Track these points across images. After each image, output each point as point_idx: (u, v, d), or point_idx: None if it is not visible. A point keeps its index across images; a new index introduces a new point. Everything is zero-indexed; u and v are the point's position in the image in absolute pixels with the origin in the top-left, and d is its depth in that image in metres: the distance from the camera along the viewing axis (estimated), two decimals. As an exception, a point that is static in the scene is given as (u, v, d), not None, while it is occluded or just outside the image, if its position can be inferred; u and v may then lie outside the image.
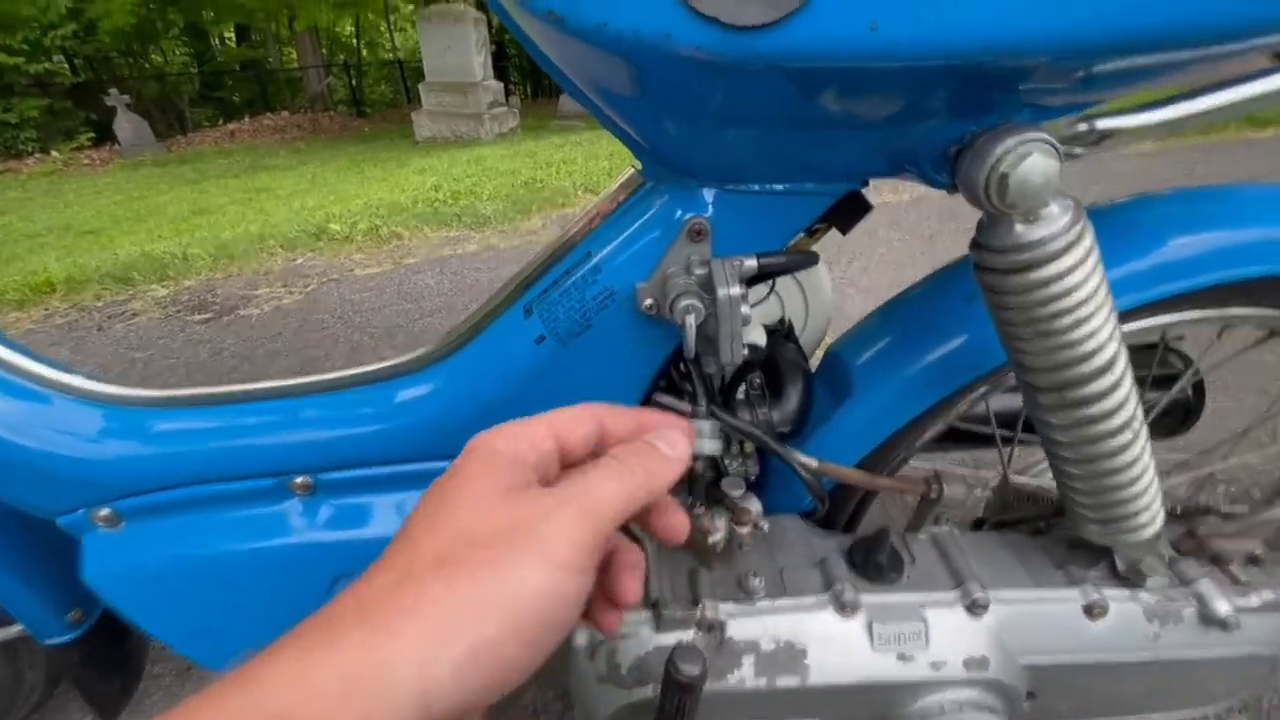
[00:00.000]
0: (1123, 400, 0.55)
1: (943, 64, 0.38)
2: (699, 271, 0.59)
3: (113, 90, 10.26)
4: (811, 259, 0.62)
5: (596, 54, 0.41)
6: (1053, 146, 0.46)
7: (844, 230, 0.68)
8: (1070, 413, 0.57)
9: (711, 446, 0.69)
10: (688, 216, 0.60)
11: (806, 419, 0.82)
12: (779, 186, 0.59)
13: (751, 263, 0.58)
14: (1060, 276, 0.50)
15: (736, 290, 0.55)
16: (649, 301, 0.62)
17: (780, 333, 0.85)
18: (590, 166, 5.18)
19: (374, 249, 3.55)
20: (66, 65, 12.78)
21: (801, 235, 0.78)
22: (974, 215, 0.51)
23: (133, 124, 10.50)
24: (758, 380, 0.81)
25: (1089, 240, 0.50)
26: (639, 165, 0.65)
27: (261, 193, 6.48)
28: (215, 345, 2.59)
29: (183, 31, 13.97)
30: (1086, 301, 0.50)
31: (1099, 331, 0.52)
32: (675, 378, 0.75)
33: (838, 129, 0.50)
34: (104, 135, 10.92)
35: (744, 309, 0.56)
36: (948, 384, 0.74)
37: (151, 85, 13.26)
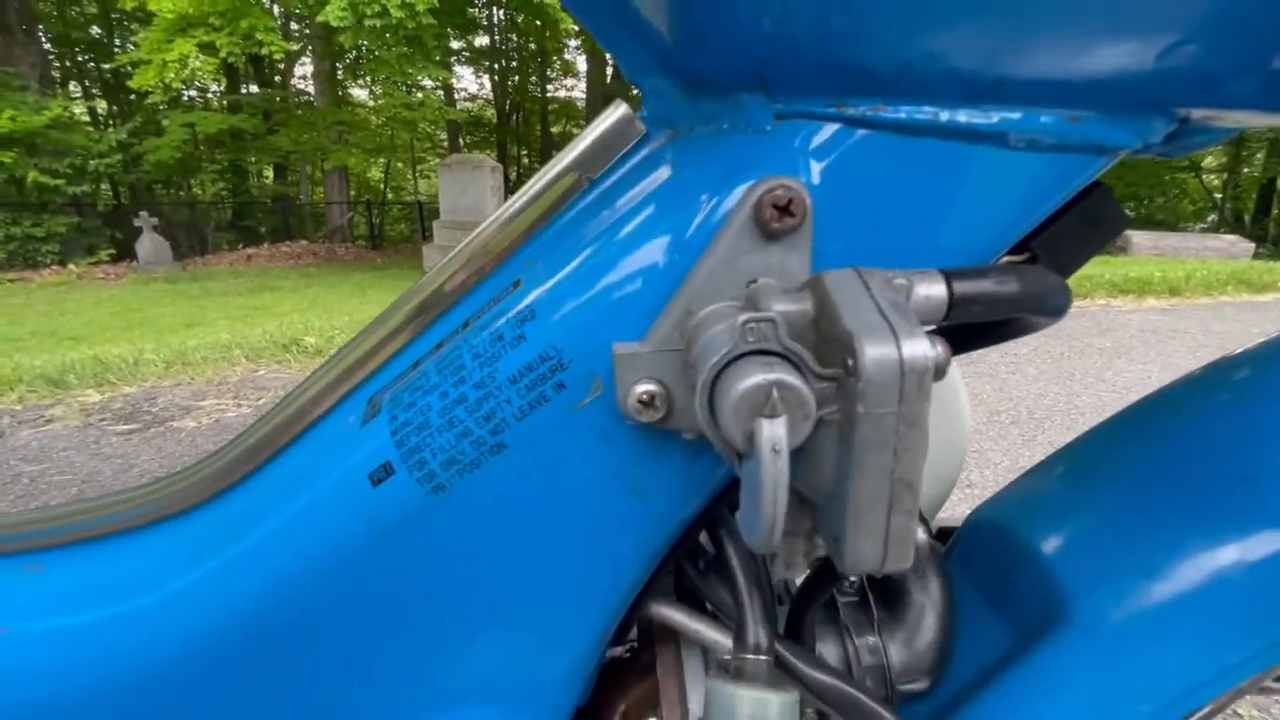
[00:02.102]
0: None
1: None
2: (785, 308, 0.21)
3: (142, 213, 10.71)
4: (1067, 298, 0.24)
5: None
6: None
7: (1062, 275, 0.32)
8: None
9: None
10: (756, 183, 0.24)
11: (949, 658, 0.41)
12: (977, 118, 0.24)
13: (938, 290, 0.21)
14: None
15: (922, 350, 0.18)
16: (644, 390, 0.25)
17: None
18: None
19: (348, 365, 3.22)
20: (110, 190, 13.55)
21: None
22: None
23: (154, 243, 10.83)
24: (852, 580, 0.41)
25: None
26: (628, 109, 0.31)
27: (259, 310, 6.41)
28: (127, 460, 2.17)
29: (226, 170, 15.03)
30: None
31: None
32: (693, 576, 0.35)
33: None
34: (126, 253, 11.24)
35: (924, 412, 0.19)
36: (1275, 636, 0.34)
37: (183, 211, 13.96)
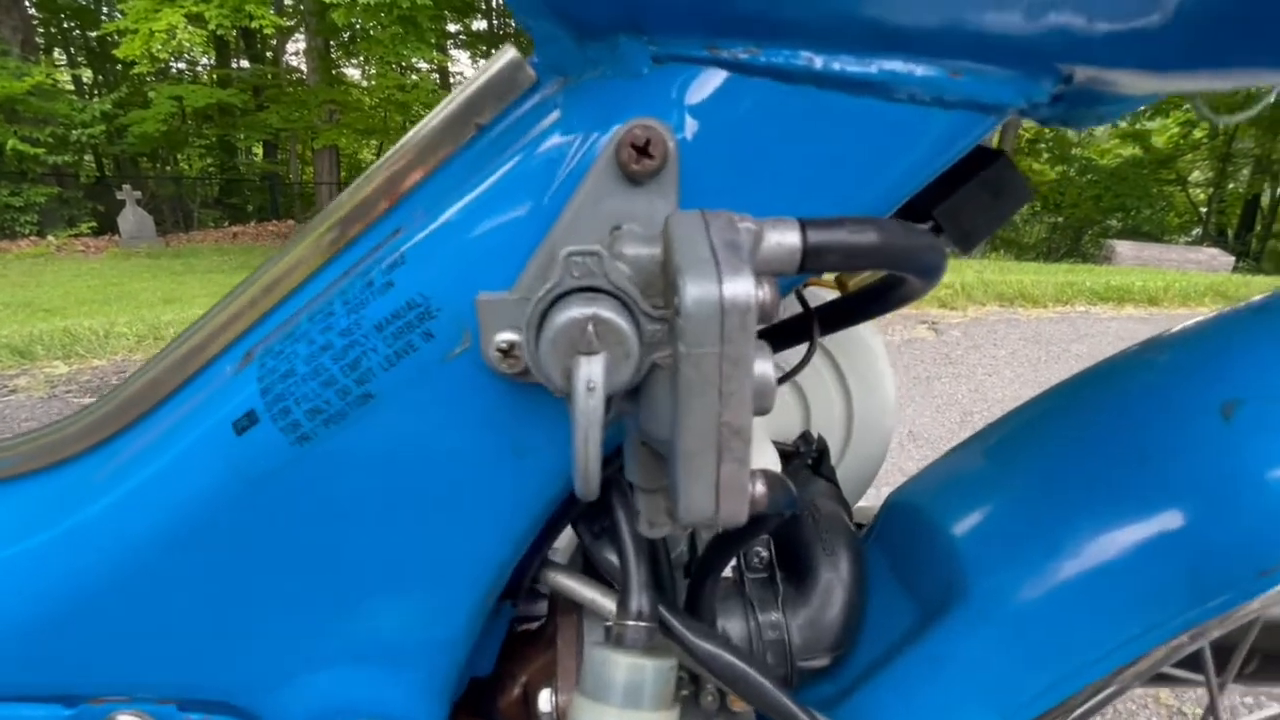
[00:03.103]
0: None
1: None
2: (631, 251, 0.20)
3: (126, 186, 10.49)
4: (938, 256, 0.24)
5: None
6: None
7: (964, 247, 0.32)
8: None
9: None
10: (623, 124, 0.24)
11: (854, 637, 0.40)
12: (854, 66, 0.23)
13: (791, 237, 0.20)
14: None
15: (744, 289, 0.17)
16: (503, 339, 0.24)
17: (803, 459, 0.46)
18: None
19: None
20: (93, 162, 13.25)
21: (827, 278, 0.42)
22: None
23: (137, 217, 10.62)
24: (762, 555, 0.40)
25: None
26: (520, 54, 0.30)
27: (239, 287, 6.32)
28: (89, 435, 2.12)
29: (214, 145, 14.75)
30: None
31: None
32: (585, 540, 0.35)
33: None
34: (108, 226, 11.02)
35: (761, 362, 0.18)
36: (1165, 614, 0.34)
37: (168, 185, 13.70)
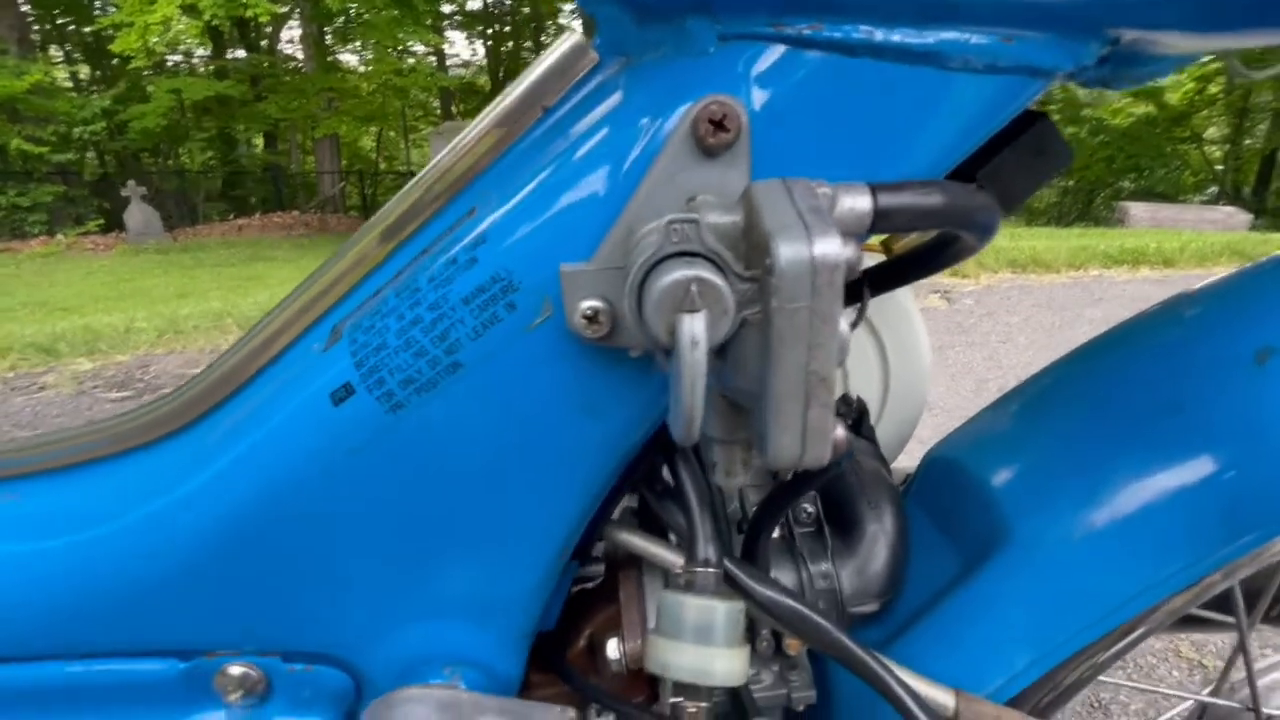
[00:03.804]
0: None
1: None
2: (715, 219, 0.22)
3: (130, 182, 10.53)
4: (995, 214, 0.25)
5: None
6: None
7: (1007, 207, 0.33)
8: None
9: (727, 664, 0.30)
10: (698, 100, 0.25)
11: (900, 583, 0.43)
12: (911, 37, 0.25)
13: (863, 201, 0.22)
14: None
15: (833, 248, 0.19)
16: (588, 306, 0.26)
17: (843, 420, 0.48)
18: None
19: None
20: (96, 159, 13.28)
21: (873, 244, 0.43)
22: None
23: (143, 213, 10.67)
24: (809, 511, 0.43)
25: None
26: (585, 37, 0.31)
27: (251, 280, 6.36)
28: (120, 428, 2.18)
29: (214, 138, 14.73)
30: None
31: None
32: (650, 498, 0.37)
33: None
34: (115, 223, 11.09)
35: (842, 321, 0.20)
36: (1198, 553, 0.36)
37: (172, 180, 13.73)
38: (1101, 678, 0.46)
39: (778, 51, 0.25)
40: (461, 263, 0.29)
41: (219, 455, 0.33)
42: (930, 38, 0.25)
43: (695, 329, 0.20)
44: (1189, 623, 0.51)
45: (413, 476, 0.31)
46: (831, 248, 0.19)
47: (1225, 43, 0.27)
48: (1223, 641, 1.27)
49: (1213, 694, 0.55)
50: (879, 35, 0.25)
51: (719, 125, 0.24)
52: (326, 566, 0.33)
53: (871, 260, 0.38)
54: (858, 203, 0.22)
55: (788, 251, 0.19)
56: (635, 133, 0.27)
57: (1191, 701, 0.60)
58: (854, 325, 0.37)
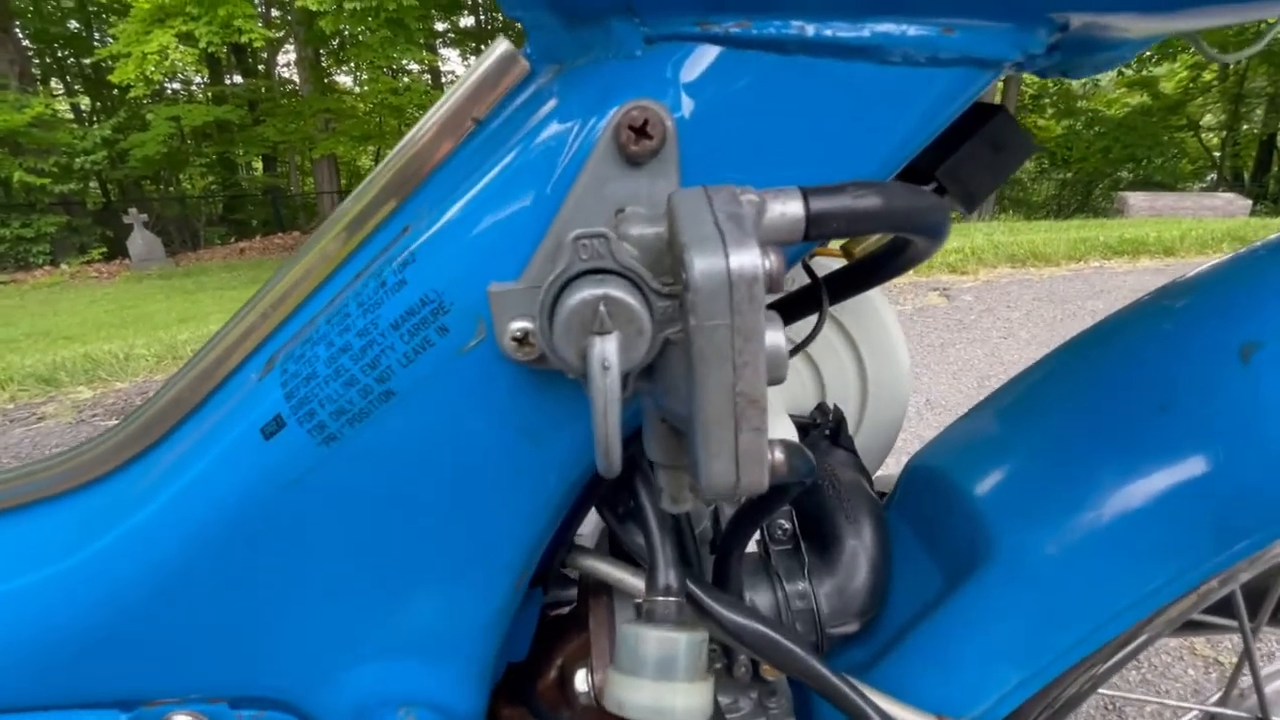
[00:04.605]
0: None
1: None
2: (639, 232, 0.21)
3: (132, 210, 10.61)
4: (942, 215, 0.24)
5: None
6: None
7: (969, 205, 0.32)
8: None
9: (688, 700, 0.28)
10: (620, 107, 0.24)
11: (882, 601, 0.41)
12: (846, 32, 0.23)
13: (794, 206, 0.20)
14: None
15: (750, 260, 0.17)
16: (518, 327, 0.24)
17: (820, 430, 0.46)
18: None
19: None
20: (98, 188, 13.42)
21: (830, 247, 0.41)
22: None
23: (146, 240, 10.75)
24: (785, 527, 0.41)
25: None
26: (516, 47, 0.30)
27: (251, 302, 6.38)
28: (119, 456, 2.17)
29: (214, 162, 14.87)
30: None
31: None
32: (611, 522, 0.35)
33: None
34: (118, 250, 11.18)
35: (771, 332, 0.18)
36: (1190, 560, 0.34)
37: (173, 206, 13.86)
38: (1101, 690, 0.44)
39: (706, 52, 0.24)
40: (390, 285, 0.27)
41: (154, 495, 0.32)
42: (865, 31, 0.23)
43: (606, 351, 0.18)
44: (1193, 628, 0.49)
45: (352, 510, 0.30)
46: (749, 260, 0.17)
47: (1178, 24, 0.25)
48: (1237, 639, 1.24)
49: (1220, 703, 0.53)
50: (811, 30, 0.23)
51: (641, 132, 0.22)
52: (270, 607, 0.32)
53: (834, 265, 0.37)
54: (789, 208, 0.21)
55: (702, 265, 0.17)
56: (563, 142, 0.25)
57: (1198, 712, 0.58)
58: (814, 333, 0.36)
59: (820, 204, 0.21)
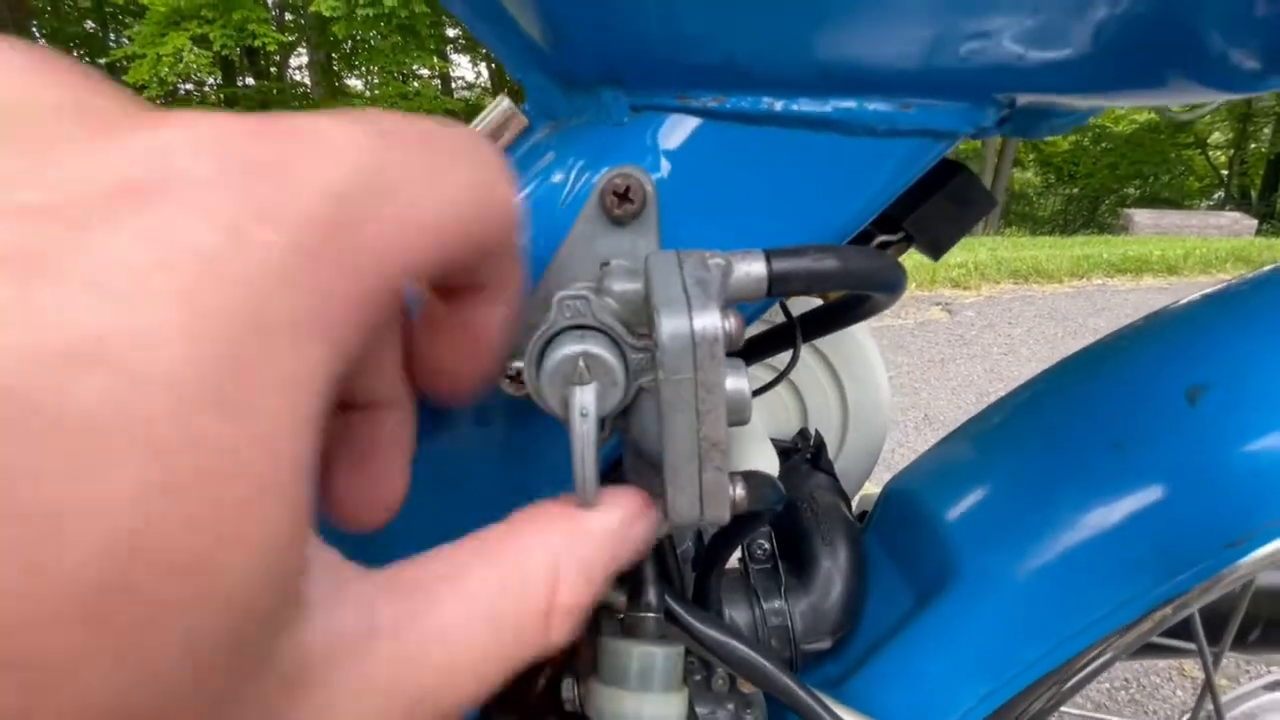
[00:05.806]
0: None
1: None
2: (621, 287, 0.23)
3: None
4: (896, 274, 0.26)
5: None
6: None
7: (934, 254, 0.34)
8: None
9: (654, 710, 0.30)
10: (603, 172, 0.26)
11: (854, 620, 0.43)
12: (811, 106, 0.26)
13: (758, 267, 0.23)
14: None
15: (712, 322, 0.20)
16: (511, 366, 0.27)
17: (802, 454, 0.49)
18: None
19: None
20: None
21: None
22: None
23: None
24: (764, 547, 0.43)
25: None
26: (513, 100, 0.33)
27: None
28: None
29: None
30: None
31: None
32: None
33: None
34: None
35: (734, 379, 0.21)
36: (1137, 589, 0.36)
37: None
38: (1066, 709, 0.46)
39: (685, 122, 0.27)
40: (397, 323, 0.30)
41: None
42: (829, 106, 0.26)
43: (585, 401, 0.21)
44: (1156, 650, 0.51)
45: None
46: (710, 322, 0.20)
47: (1123, 101, 0.28)
48: (1226, 661, 1.26)
49: (1186, 724, 0.54)
50: (779, 105, 0.26)
51: (624, 197, 0.25)
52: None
53: (815, 303, 0.39)
54: (753, 269, 0.23)
55: (669, 326, 0.20)
56: (556, 197, 0.28)
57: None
58: (789, 368, 0.38)
59: (782, 265, 0.23)
